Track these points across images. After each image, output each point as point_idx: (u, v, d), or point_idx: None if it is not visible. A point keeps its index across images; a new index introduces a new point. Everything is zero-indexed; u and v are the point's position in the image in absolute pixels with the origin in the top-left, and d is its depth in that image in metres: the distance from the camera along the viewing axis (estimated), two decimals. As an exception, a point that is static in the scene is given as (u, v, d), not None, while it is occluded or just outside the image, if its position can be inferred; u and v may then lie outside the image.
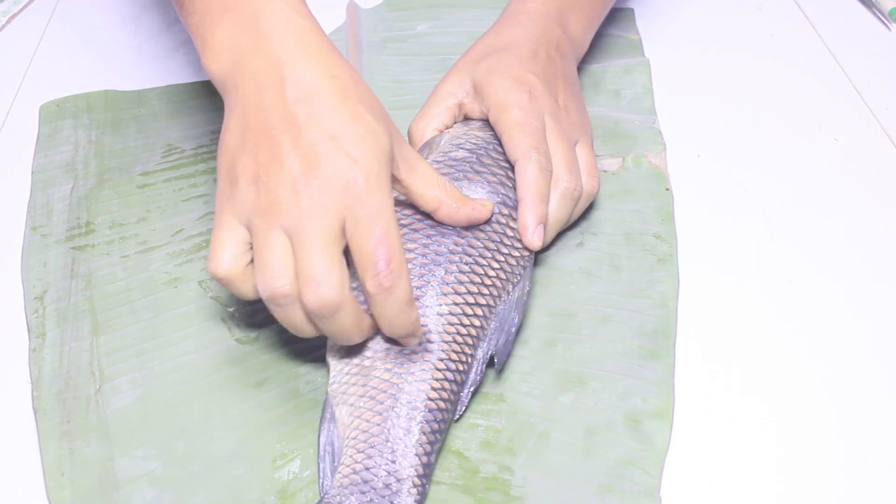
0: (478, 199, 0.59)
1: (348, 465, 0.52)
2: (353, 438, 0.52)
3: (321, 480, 0.53)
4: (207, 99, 0.79)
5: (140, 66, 0.85)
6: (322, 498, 0.51)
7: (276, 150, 0.51)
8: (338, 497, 0.50)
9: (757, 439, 0.57)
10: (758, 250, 0.67)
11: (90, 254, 0.67)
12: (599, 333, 0.61)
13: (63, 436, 0.56)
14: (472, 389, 0.56)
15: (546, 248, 0.65)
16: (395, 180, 0.55)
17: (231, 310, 0.63)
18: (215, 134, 0.76)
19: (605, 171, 0.72)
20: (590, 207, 0.68)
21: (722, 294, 0.64)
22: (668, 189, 0.70)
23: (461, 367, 0.56)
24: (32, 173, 0.73)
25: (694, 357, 0.60)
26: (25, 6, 0.92)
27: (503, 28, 0.70)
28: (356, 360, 0.55)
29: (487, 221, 0.60)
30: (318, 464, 0.53)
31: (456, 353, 0.56)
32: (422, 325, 0.55)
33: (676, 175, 0.72)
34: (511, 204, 0.62)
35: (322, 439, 0.53)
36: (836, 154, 0.75)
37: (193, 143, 0.75)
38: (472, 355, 0.56)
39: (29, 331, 0.62)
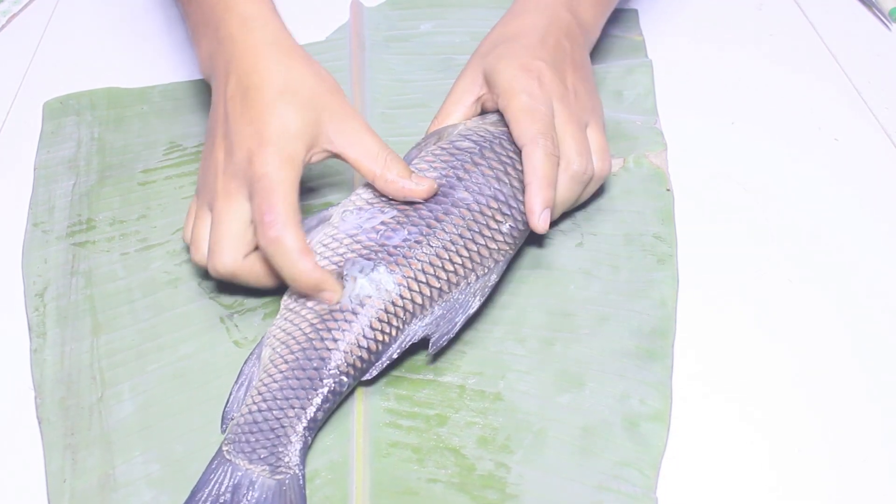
0: (421, 178, 0.60)
1: (248, 405, 0.55)
2: (261, 381, 0.55)
3: (226, 406, 0.56)
4: (209, 97, 0.77)
5: (143, 63, 0.84)
6: (224, 430, 0.55)
7: (211, 141, 0.61)
8: (233, 435, 0.54)
9: (754, 440, 0.55)
10: (758, 250, 0.66)
11: (90, 250, 0.66)
12: (598, 333, 0.60)
13: (67, 447, 0.55)
14: (391, 359, 0.57)
15: (545, 239, 0.65)
16: (335, 154, 0.60)
17: (229, 311, 0.62)
18: (217, 132, 0.75)
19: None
20: (592, 204, 0.67)
21: (721, 294, 0.63)
22: (668, 189, 0.69)
23: (382, 338, 0.56)
24: (35, 169, 0.72)
25: (692, 357, 0.59)
26: (26, 6, 0.91)
27: (512, 18, 0.69)
28: (294, 309, 0.58)
29: (471, 210, 0.60)
30: (232, 390, 0.56)
31: (381, 321, 0.56)
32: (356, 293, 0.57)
33: (677, 175, 0.71)
34: (502, 199, 0.61)
35: (244, 371, 0.57)
36: (836, 154, 0.74)
37: (195, 141, 0.75)
38: (398, 328, 0.57)
39: (30, 330, 0.61)
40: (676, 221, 0.67)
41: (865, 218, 0.69)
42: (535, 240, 0.65)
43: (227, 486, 0.52)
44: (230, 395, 0.56)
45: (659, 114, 0.76)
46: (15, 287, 0.64)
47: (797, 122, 0.77)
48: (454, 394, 0.57)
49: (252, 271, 0.58)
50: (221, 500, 0.51)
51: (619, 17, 0.85)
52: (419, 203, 0.60)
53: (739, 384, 0.58)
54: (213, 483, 0.52)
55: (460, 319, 0.58)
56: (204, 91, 0.79)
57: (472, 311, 0.58)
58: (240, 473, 0.52)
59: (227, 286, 0.62)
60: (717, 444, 0.55)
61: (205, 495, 0.52)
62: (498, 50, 0.66)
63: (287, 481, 0.52)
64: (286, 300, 0.58)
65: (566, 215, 0.67)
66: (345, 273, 0.57)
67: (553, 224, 0.65)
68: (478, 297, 0.59)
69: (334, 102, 0.60)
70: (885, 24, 0.87)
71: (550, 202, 0.60)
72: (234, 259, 0.57)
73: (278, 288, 0.60)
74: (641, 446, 0.54)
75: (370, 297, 0.57)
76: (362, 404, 0.57)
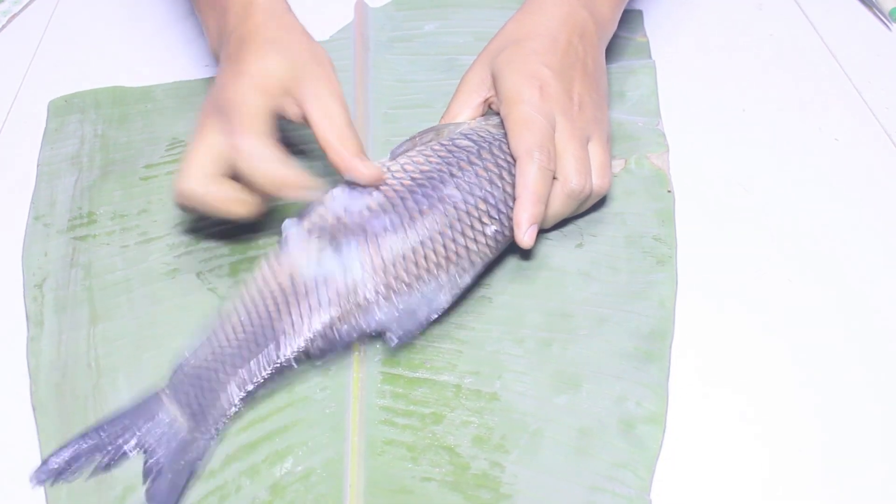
0: (370, 164, 0.58)
1: (199, 359, 0.55)
2: (218, 341, 0.55)
3: (186, 354, 0.56)
4: (212, 94, 0.76)
5: (145, 62, 0.82)
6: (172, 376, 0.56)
7: (207, 99, 0.61)
8: (176, 381, 0.55)
9: (751, 443, 0.54)
10: (758, 250, 0.64)
11: (91, 244, 0.65)
12: (596, 334, 0.58)
13: (62, 434, 0.54)
14: (346, 346, 0.56)
15: (545, 240, 0.63)
16: (302, 115, 0.60)
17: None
18: (220, 128, 0.74)
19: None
20: (595, 204, 0.66)
21: (721, 295, 0.61)
22: (669, 191, 0.67)
23: (340, 324, 0.55)
24: (38, 166, 0.71)
25: (690, 359, 0.58)
26: (26, 6, 0.89)
27: (526, 15, 0.66)
28: (266, 277, 0.57)
29: (457, 208, 0.58)
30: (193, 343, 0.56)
31: (343, 305, 0.55)
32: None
33: (678, 176, 0.69)
34: (492, 202, 0.59)
35: (208, 323, 0.56)
36: (836, 154, 0.72)
37: (197, 138, 0.73)
38: (357, 316, 0.55)
39: (27, 319, 0.60)
40: (677, 222, 0.65)
41: (865, 218, 0.67)
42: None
43: (148, 423, 0.53)
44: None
45: (662, 115, 0.74)
46: (15, 281, 0.63)
47: (797, 122, 0.75)
48: (450, 393, 0.56)
49: (217, 196, 0.57)
50: (135, 431, 0.53)
51: (624, 18, 0.83)
52: (406, 194, 0.58)
53: (737, 386, 0.56)
54: (138, 414, 0.53)
55: (424, 316, 0.56)
56: (208, 90, 0.77)
57: (439, 309, 0.57)
58: (165, 418, 0.53)
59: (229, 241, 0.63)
60: (713, 446, 0.54)
61: (126, 422, 0.53)
62: (506, 52, 0.64)
63: (199, 442, 0.53)
64: (263, 263, 0.57)
65: (566, 218, 0.64)
66: (318, 242, 0.56)
67: (554, 226, 0.64)
68: (447, 297, 0.57)
69: (318, 69, 0.60)
70: (886, 24, 0.85)
71: (538, 218, 0.58)
72: (197, 182, 0.56)
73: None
74: (637, 448, 0.53)
75: (335, 277, 0.55)
76: (357, 402, 0.56)
